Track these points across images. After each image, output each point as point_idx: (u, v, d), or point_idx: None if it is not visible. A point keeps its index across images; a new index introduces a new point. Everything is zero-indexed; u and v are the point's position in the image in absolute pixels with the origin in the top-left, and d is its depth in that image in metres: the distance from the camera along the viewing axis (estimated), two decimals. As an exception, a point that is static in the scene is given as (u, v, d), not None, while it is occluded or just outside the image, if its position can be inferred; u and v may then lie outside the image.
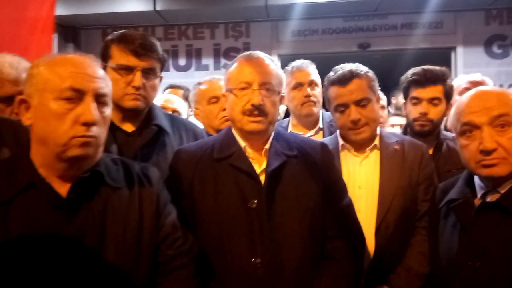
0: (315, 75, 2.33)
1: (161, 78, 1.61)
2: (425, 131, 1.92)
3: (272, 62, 1.43)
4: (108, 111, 1.12)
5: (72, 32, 4.90)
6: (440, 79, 1.90)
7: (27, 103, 1.07)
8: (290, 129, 2.39)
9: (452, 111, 1.36)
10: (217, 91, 2.18)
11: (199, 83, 2.30)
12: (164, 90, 3.23)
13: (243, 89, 1.36)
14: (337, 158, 1.67)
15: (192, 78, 4.45)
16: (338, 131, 1.78)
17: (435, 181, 1.69)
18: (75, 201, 1.08)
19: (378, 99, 1.72)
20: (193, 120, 2.26)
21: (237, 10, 4.50)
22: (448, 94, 1.92)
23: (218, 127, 2.11)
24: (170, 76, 4.62)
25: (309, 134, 2.30)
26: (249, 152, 1.40)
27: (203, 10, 4.49)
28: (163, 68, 1.62)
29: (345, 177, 1.59)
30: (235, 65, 1.42)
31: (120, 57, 1.50)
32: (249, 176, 1.34)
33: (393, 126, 2.86)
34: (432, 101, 1.90)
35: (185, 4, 4.41)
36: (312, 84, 2.29)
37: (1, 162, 1.15)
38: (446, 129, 2.14)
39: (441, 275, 1.34)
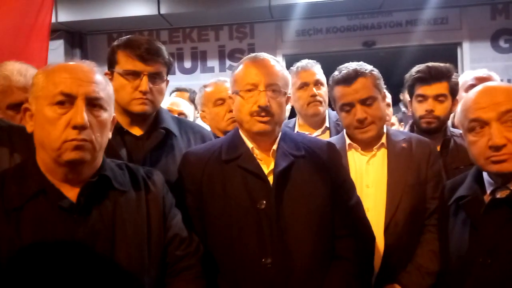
0: (320, 75, 2.33)
1: (167, 82, 1.62)
2: (431, 128, 1.91)
3: (278, 63, 1.44)
4: (105, 114, 1.12)
5: (78, 38, 4.95)
6: (445, 75, 1.89)
7: (30, 110, 1.10)
8: (297, 129, 2.39)
9: (459, 108, 1.35)
10: (222, 93, 2.19)
11: (205, 86, 2.31)
12: (171, 93, 3.25)
13: (249, 90, 1.37)
14: (344, 158, 1.67)
15: (197, 81, 4.47)
16: (344, 130, 1.78)
17: (443, 178, 1.68)
18: (85, 205, 1.10)
19: (383, 97, 1.71)
20: (199, 122, 2.27)
21: (241, 12, 4.51)
22: (453, 91, 1.91)
23: (225, 129, 2.12)
24: (176, 79, 4.65)
25: (316, 133, 2.30)
26: (257, 153, 1.40)
27: (207, 13, 4.51)
28: (169, 72, 1.63)
29: (353, 176, 1.59)
30: (241, 67, 1.43)
31: (126, 62, 1.51)
32: (257, 177, 1.35)
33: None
34: (437, 98, 1.89)
35: (189, 7, 4.43)
36: (317, 83, 2.30)
37: (11, 170, 1.17)
38: (453, 126, 2.13)
39: (452, 272, 1.34)
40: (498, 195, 1.24)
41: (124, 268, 1.10)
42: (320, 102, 2.28)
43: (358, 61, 1.74)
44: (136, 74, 1.50)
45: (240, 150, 1.41)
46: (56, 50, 4.65)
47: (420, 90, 1.92)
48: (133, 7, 4.48)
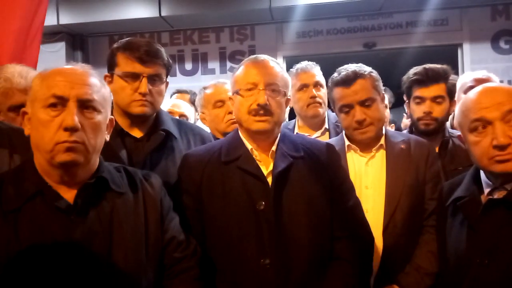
0: (319, 76, 2.34)
1: (167, 83, 1.63)
2: (430, 130, 1.92)
3: (278, 64, 1.45)
4: (99, 117, 1.13)
5: (80, 40, 4.96)
6: (442, 77, 1.90)
7: (28, 114, 1.12)
8: (296, 130, 2.40)
9: (458, 109, 1.35)
10: (222, 95, 2.20)
11: (205, 88, 2.33)
12: (171, 95, 3.26)
13: (249, 90, 1.38)
14: (343, 159, 1.67)
15: (198, 82, 4.48)
16: (343, 132, 1.79)
17: (442, 179, 1.69)
18: (82, 206, 1.11)
19: (382, 99, 1.72)
20: (200, 124, 2.28)
21: (242, 14, 4.52)
22: (451, 92, 1.92)
23: (224, 130, 2.13)
24: (176, 81, 4.66)
25: (315, 135, 2.31)
26: (256, 154, 1.41)
27: (208, 15, 4.52)
28: (169, 73, 1.64)
29: (352, 177, 1.60)
30: (241, 68, 1.45)
31: (126, 64, 1.52)
32: (256, 178, 1.36)
33: None
34: (435, 99, 1.90)
35: (189, 9, 4.44)
36: (317, 85, 2.30)
37: (10, 172, 1.18)
38: (452, 127, 2.13)
39: (450, 273, 1.34)
40: (496, 196, 1.24)
41: (121, 269, 1.11)
42: (320, 103, 2.28)
43: (359, 62, 1.75)
44: (135, 76, 1.51)
45: (240, 151, 1.41)
46: (58, 52, 4.67)
47: (418, 92, 1.93)
48: (134, 10, 4.49)
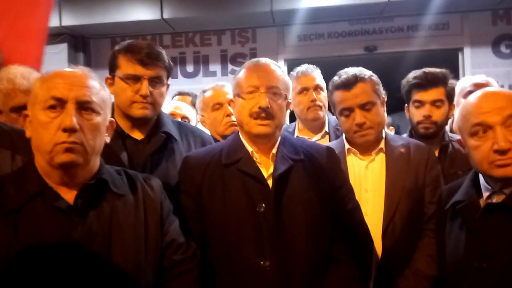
0: (320, 80, 2.35)
1: (168, 85, 1.64)
2: (429, 134, 1.93)
3: (279, 68, 1.46)
4: (98, 118, 1.14)
5: (82, 42, 4.98)
6: (441, 81, 1.91)
7: (29, 116, 1.14)
8: (296, 133, 2.40)
9: (458, 113, 1.35)
10: (220, 98, 2.21)
11: (204, 91, 2.34)
12: (173, 97, 3.27)
13: (250, 92, 1.39)
14: (343, 162, 1.68)
15: (200, 85, 4.48)
16: (344, 135, 1.80)
17: (441, 183, 1.69)
18: (82, 207, 1.12)
19: (382, 103, 1.73)
20: (200, 127, 2.29)
21: (243, 17, 4.53)
22: (450, 96, 1.93)
23: (223, 133, 2.13)
24: (178, 83, 4.67)
25: (315, 138, 2.31)
26: (257, 157, 1.42)
27: (209, 18, 4.54)
28: (170, 75, 1.65)
29: (352, 180, 1.61)
30: (243, 71, 1.46)
31: (127, 66, 1.53)
32: (256, 180, 1.37)
33: None
34: (434, 103, 1.91)
35: (191, 12, 4.46)
36: (317, 88, 2.31)
37: (12, 173, 1.19)
38: (451, 131, 2.14)
39: (448, 276, 1.35)
40: (494, 200, 1.25)
41: (120, 270, 1.11)
42: (320, 106, 2.29)
43: (360, 66, 1.76)
44: (136, 78, 1.52)
45: (240, 153, 1.42)
46: (60, 54, 4.68)
47: (417, 95, 1.94)
48: (137, 12, 4.51)
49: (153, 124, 1.62)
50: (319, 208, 1.39)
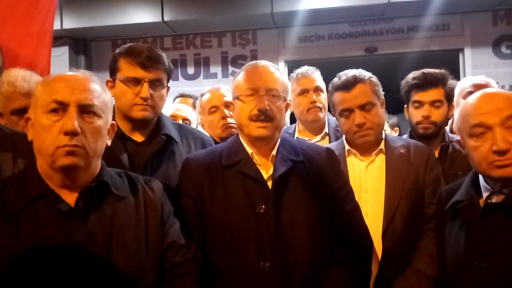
0: (320, 81, 2.35)
1: (168, 88, 1.65)
2: (429, 134, 1.93)
3: (277, 70, 1.47)
4: (99, 121, 1.15)
5: (83, 44, 5.00)
6: (440, 81, 1.92)
7: (31, 119, 1.15)
8: (296, 135, 2.41)
9: (458, 114, 1.36)
10: (215, 101, 2.23)
11: (202, 94, 2.35)
12: (174, 99, 3.27)
13: (250, 95, 1.40)
14: (343, 163, 1.69)
15: (200, 87, 4.49)
16: (343, 137, 1.81)
17: (441, 183, 1.70)
18: (83, 210, 1.13)
19: (382, 104, 1.74)
20: (202, 130, 2.29)
21: (244, 18, 4.55)
22: (449, 96, 1.94)
23: (220, 135, 2.14)
24: (179, 85, 4.68)
25: (315, 139, 2.32)
26: (256, 158, 1.43)
27: (210, 20, 4.55)
28: (170, 78, 1.66)
29: (352, 181, 1.61)
30: (241, 73, 1.46)
31: (127, 69, 1.54)
32: (256, 182, 1.37)
33: None
34: (434, 103, 1.92)
35: (192, 14, 4.48)
36: (317, 90, 2.32)
37: (14, 176, 1.21)
38: (451, 131, 2.14)
39: (448, 276, 1.35)
40: (494, 200, 1.25)
41: (121, 272, 1.12)
42: (320, 108, 2.30)
43: (360, 67, 1.77)
44: (137, 81, 1.53)
45: (240, 155, 1.43)
46: (61, 56, 4.70)
47: (416, 96, 1.94)
48: (137, 14, 4.53)
49: (154, 126, 1.63)
50: (319, 209, 1.39)
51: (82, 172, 1.14)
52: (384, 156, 1.71)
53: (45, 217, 1.09)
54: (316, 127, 2.36)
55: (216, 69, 4.95)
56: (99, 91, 1.17)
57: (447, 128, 2.09)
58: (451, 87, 1.95)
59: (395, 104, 2.34)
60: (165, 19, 4.49)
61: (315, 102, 2.28)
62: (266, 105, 1.37)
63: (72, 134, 1.08)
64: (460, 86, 2.18)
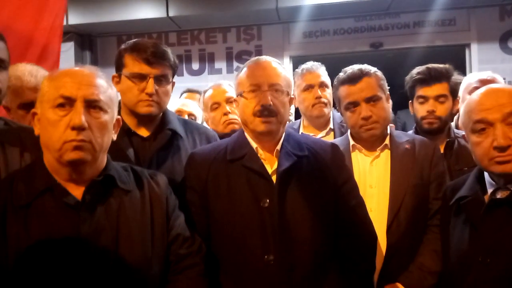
0: (325, 77, 2.35)
1: (173, 83, 1.65)
2: (433, 129, 1.93)
3: (280, 65, 1.47)
4: (106, 116, 1.16)
5: (88, 40, 5.01)
6: (445, 76, 1.91)
7: (37, 114, 1.16)
8: (301, 130, 2.41)
9: (462, 109, 1.36)
10: (217, 97, 2.23)
11: (205, 91, 2.36)
12: (181, 94, 3.28)
13: (252, 91, 1.40)
14: (348, 158, 1.69)
15: (205, 82, 4.51)
16: (348, 132, 1.81)
17: (447, 179, 1.69)
18: (90, 203, 1.14)
19: (387, 98, 1.73)
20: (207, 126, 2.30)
21: (248, 14, 4.54)
22: (453, 91, 1.94)
23: (222, 132, 2.14)
24: (183, 81, 4.69)
25: (320, 135, 2.32)
26: (261, 153, 1.43)
27: (214, 15, 4.55)
28: (175, 73, 1.66)
29: (357, 176, 1.61)
30: (244, 70, 1.47)
31: (133, 65, 1.55)
32: (261, 176, 1.38)
33: None
34: (438, 98, 1.92)
35: (197, 9, 4.47)
36: (322, 85, 2.32)
37: (21, 170, 1.22)
38: (457, 127, 2.14)
39: (452, 271, 1.35)
40: (499, 196, 1.25)
41: (127, 264, 1.14)
42: (325, 103, 2.30)
43: (366, 62, 1.77)
44: (142, 77, 1.54)
45: (245, 150, 1.43)
46: (66, 52, 4.71)
47: (421, 91, 1.94)
48: (142, 10, 4.54)
49: (159, 121, 1.64)
50: (323, 203, 1.40)
51: (89, 166, 1.16)
52: (389, 151, 1.71)
53: (52, 211, 1.11)
54: (321, 122, 2.36)
55: (221, 64, 4.95)
56: (105, 86, 1.19)
57: (453, 124, 2.08)
58: (455, 81, 1.94)
59: (400, 99, 2.34)
60: (170, 14, 4.49)
61: (320, 97, 2.28)
62: (269, 101, 1.37)
63: (79, 129, 1.09)
64: (466, 81, 2.17)
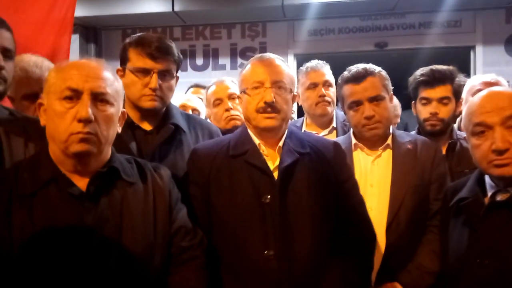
0: (329, 75, 2.35)
1: (177, 78, 1.66)
2: (436, 131, 1.93)
3: (283, 62, 1.48)
4: (112, 109, 1.17)
5: (93, 33, 5.01)
6: (448, 78, 1.91)
7: (43, 105, 1.16)
8: (304, 128, 2.42)
9: (464, 112, 1.37)
10: (219, 93, 2.24)
11: (208, 87, 2.37)
12: (188, 89, 3.29)
13: (256, 88, 1.41)
14: (349, 157, 1.70)
15: (209, 78, 4.50)
16: (351, 131, 1.81)
17: (448, 180, 1.70)
18: (94, 194, 1.15)
19: (391, 98, 1.74)
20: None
21: (254, 10, 4.53)
22: (457, 93, 1.93)
23: (224, 128, 2.15)
24: (187, 76, 4.69)
25: (323, 133, 2.33)
26: (263, 149, 1.44)
27: (220, 11, 4.54)
28: (179, 68, 1.67)
29: (358, 175, 1.62)
30: (247, 67, 1.48)
31: (137, 60, 1.55)
32: (263, 172, 1.39)
33: None
34: (441, 100, 1.91)
35: (202, 5, 4.47)
36: (326, 84, 2.32)
37: (26, 160, 1.23)
38: (460, 129, 2.14)
39: (450, 272, 1.36)
40: (498, 198, 1.26)
41: (130, 254, 1.15)
42: (329, 102, 2.30)
43: (370, 62, 1.77)
44: (146, 72, 1.54)
45: (247, 146, 1.44)
46: (72, 44, 4.68)
47: (424, 93, 1.94)
48: (148, 4, 4.53)
49: (162, 115, 1.65)
50: (324, 200, 1.41)
51: (94, 158, 1.17)
52: (391, 151, 1.71)
53: (57, 201, 1.12)
54: (324, 121, 2.37)
55: (225, 60, 4.95)
56: (112, 79, 1.19)
57: (455, 125, 2.08)
58: (459, 83, 1.94)
59: (404, 100, 2.34)
60: (176, 9, 4.49)
61: (324, 96, 2.29)
62: (272, 97, 1.38)
63: (86, 121, 1.10)
64: (470, 83, 2.16)
